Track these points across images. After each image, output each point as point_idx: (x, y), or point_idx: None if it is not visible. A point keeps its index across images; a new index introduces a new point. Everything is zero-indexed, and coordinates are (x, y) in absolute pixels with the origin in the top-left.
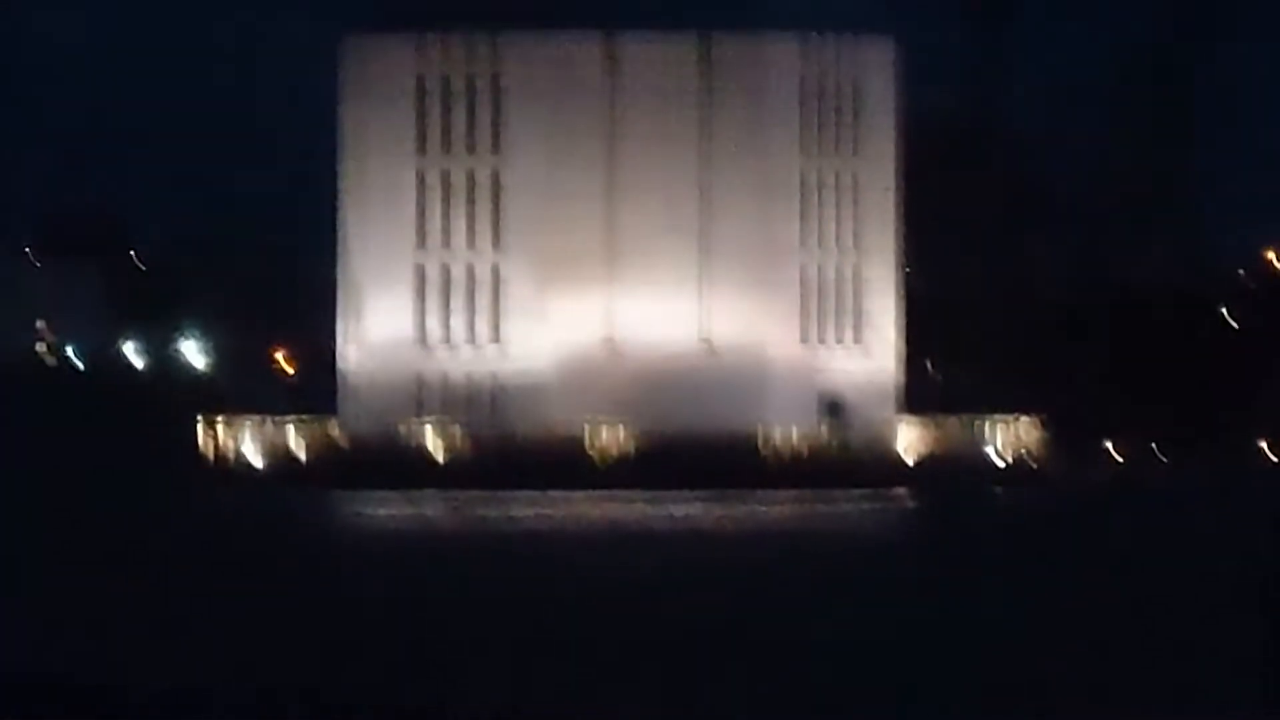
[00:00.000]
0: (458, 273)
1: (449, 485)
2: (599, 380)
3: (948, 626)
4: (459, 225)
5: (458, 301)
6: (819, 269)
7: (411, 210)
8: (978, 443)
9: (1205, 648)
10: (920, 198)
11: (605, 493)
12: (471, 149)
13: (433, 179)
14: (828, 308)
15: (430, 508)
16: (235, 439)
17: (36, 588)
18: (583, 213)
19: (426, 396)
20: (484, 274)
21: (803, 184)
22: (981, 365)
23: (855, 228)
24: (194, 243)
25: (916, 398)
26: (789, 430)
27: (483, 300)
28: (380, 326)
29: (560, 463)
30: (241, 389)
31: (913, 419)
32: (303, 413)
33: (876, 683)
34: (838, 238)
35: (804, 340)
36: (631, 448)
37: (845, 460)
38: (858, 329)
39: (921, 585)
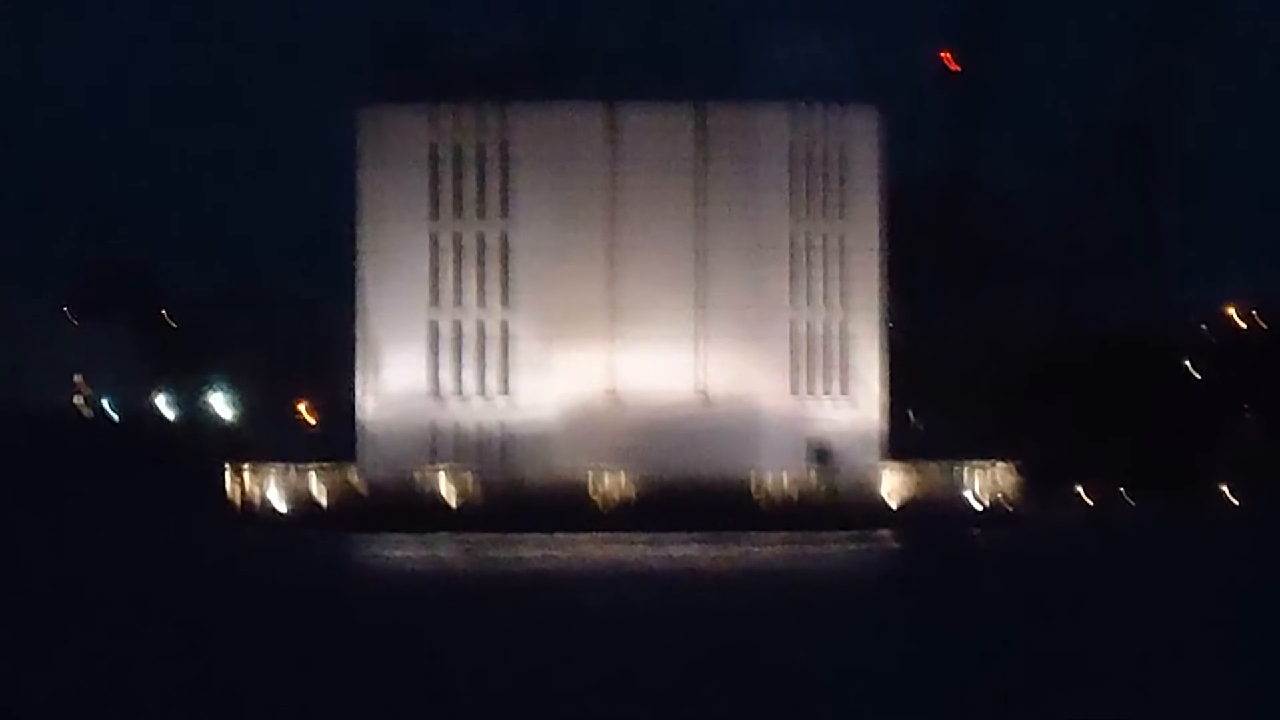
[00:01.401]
0: (469, 329)
1: (461, 528)
2: (602, 429)
3: (930, 661)
4: (470, 284)
5: (469, 356)
6: (808, 325)
7: (425, 270)
8: (957, 487)
9: (1175, 686)
10: (903, 257)
11: (608, 535)
12: (482, 213)
13: (445, 241)
14: (816, 361)
15: (444, 549)
16: (261, 485)
17: (73, 629)
18: (586, 272)
19: (440, 445)
20: (494, 330)
21: (792, 245)
22: (960, 415)
23: (842, 286)
24: (222, 301)
25: (899, 445)
26: (780, 476)
27: (492, 355)
28: (396, 379)
29: (566, 507)
30: (266, 439)
31: (896, 465)
32: (324, 460)
33: (861, 710)
34: (825, 295)
35: (794, 391)
36: (632, 492)
37: (832, 504)
38: (844, 381)
39: (905, 622)
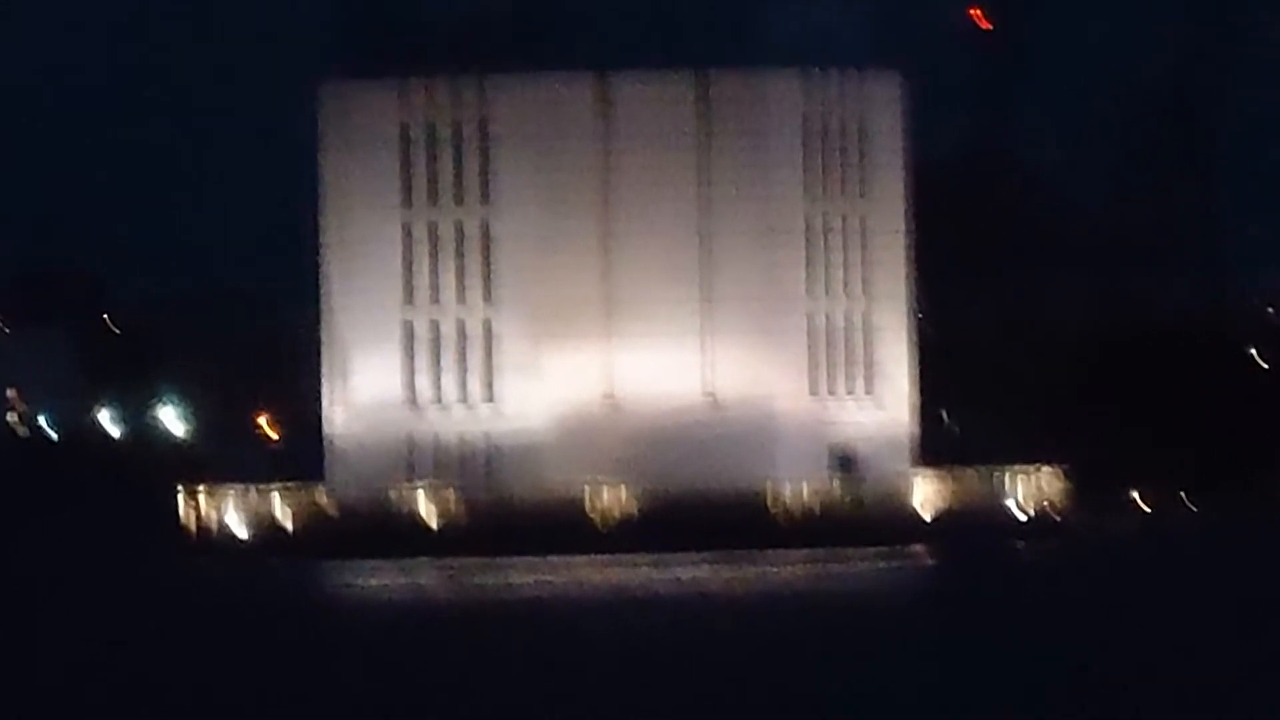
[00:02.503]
0: (448, 329)
1: (444, 552)
2: (598, 438)
3: (971, 693)
4: (448, 279)
5: (448, 359)
6: (827, 317)
7: (398, 265)
8: (997, 495)
9: (1242, 711)
10: (932, 240)
11: (608, 556)
12: (460, 199)
13: (420, 231)
14: (837, 358)
15: (425, 577)
16: (218, 509)
17: (10, 674)
18: (577, 263)
19: (418, 459)
20: (475, 330)
21: (808, 228)
22: (999, 414)
23: (864, 273)
24: (171, 304)
25: (931, 450)
26: (799, 487)
27: (475, 357)
28: (368, 387)
29: (560, 526)
30: (224, 457)
31: (928, 472)
32: (288, 480)
33: None
34: (846, 284)
35: (813, 392)
36: (634, 508)
37: (858, 517)
38: (869, 379)
39: (942, 647)
